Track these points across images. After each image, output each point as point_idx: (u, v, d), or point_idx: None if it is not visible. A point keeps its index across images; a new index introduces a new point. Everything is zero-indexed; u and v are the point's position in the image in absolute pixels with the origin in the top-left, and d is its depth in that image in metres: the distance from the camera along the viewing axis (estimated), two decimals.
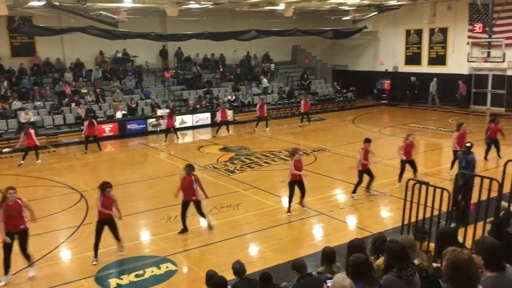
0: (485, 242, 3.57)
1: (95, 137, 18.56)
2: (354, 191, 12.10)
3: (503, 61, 22.68)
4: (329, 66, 33.04)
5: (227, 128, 21.73)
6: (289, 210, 11.21)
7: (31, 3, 18.49)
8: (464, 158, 10.22)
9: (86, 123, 18.41)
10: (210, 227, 10.31)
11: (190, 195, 10.07)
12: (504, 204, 6.44)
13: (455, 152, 13.24)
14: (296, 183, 11.15)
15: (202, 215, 10.32)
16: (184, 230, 10.12)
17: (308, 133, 21.20)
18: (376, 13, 26.96)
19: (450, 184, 7.56)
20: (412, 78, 27.95)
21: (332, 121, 24.12)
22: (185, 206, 10.10)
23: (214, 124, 22.33)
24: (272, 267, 8.23)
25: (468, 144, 10.38)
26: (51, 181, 14.60)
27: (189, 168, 10.19)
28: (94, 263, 8.84)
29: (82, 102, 22.91)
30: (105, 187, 8.92)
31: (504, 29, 23.27)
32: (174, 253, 9.20)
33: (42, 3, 18.51)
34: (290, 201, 11.21)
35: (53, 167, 16.53)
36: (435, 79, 26.80)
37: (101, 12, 20.34)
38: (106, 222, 8.98)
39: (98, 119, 21.60)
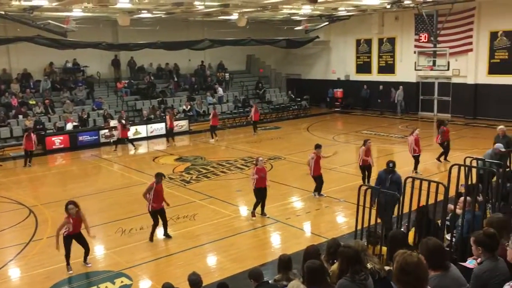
0: (428, 243, 3.74)
1: (32, 152, 17.94)
2: (316, 190, 12.63)
3: (448, 69, 23.72)
4: (283, 75, 33.48)
5: (172, 138, 21.53)
6: (253, 214, 11.30)
7: None
8: (387, 178, 9.51)
9: (24, 136, 17.87)
10: (168, 235, 10.25)
11: (160, 204, 10.10)
12: (451, 206, 6.72)
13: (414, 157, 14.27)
14: (259, 191, 11.22)
15: (167, 223, 10.28)
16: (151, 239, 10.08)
17: (263, 142, 21.34)
18: (327, 23, 27.60)
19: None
20: (380, 87, 27.98)
21: (287, 129, 24.40)
22: (157, 216, 10.05)
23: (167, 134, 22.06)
24: (230, 277, 8.20)
25: (391, 164, 9.75)
26: None
27: (161, 176, 10.22)
28: (70, 272, 8.74)
29: (30, 114, 22.09)
30: (66, 206, 8.84)
31: (448, 38, 24.40)
32: (129, 267, 8.98)
33: None
34: (255, 206, 11.29)
35: None
36: (401, 87, 27.02)
37: (49, 21, 19.78)
38: (73, 236, 8.88)
39: (48, 131, 20.95)
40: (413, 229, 6.80)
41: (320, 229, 10.71)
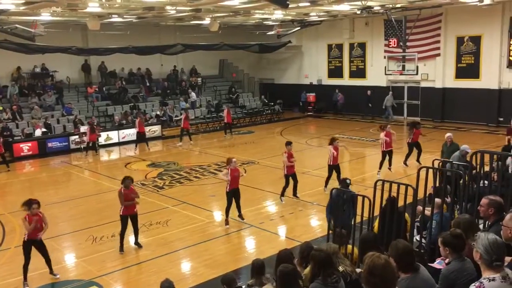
0: (397, 245, 3.81)
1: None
2: (282, 195, 12.63)
3: (417, 74, 24.27)
4: (256, 79, 33.58)
5: (146, 143, 21.21)
6: (227, 222, 11.17)
7: None
8: (341, 197, 7.97)
9: None
10: (139, 244, 10.05)
11: (133, 208, 9.88)
12: (420, 208, 6.86)
13: (383, 152, 14.86)
14: (234, 193, 11.15)
15: (137, 230, 10.09)
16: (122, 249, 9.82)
17: (237, 146, 21.34)
18: (299, 28, 27.87)
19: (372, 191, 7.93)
20: (369, 92, 27.45)
21: (260, 134, 24.47)
22: (127, 221, 9.82)
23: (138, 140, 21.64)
24: (204, 283, 8.17)
25: (348, 181, 9.30)
26: None
27: (130, 180, 9.95)
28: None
29: None
30: (30, 204, 8.47)
31: (417, 43, 24.96)
32: (100, 275, 8.82)
33: None
34: (228, 212, 11.18)
35: None
36: (390, 92, 26.73)
37: (17, 25, 19.33)
38: (34, 242, 8.49)
39: (15, 138, 20.44)
40: (377, 219, 6.98)
41: (294, 233, 10.77)
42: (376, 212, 6.89)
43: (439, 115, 25.24)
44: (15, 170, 18.36)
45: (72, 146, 21.03)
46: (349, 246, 6.28)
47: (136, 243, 10.08)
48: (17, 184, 16.61)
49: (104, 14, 19.92)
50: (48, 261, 8.71)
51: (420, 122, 17.20)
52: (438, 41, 24.82)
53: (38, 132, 21.08)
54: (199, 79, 30.22)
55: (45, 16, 19.39)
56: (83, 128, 21.31)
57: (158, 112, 25.48)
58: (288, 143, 12.81)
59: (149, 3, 17.61)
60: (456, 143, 12.91)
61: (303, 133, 24.68)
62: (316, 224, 11.44)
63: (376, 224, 6.93)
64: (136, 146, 21.25)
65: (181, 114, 23.24)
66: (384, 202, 6.68)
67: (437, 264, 4.46)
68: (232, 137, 23.07)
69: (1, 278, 8.84)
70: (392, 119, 25.88)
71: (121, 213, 9.89)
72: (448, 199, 7.33)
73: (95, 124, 21.14)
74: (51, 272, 8.76)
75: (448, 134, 13.35)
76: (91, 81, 26.77)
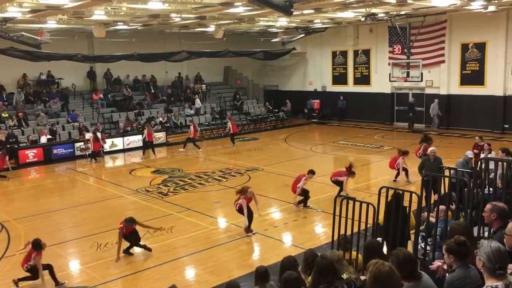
0: (398, 254, 3.79)
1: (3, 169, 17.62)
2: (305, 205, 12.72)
3: (421, 80, 24.24)
4: (260, 86, 33.65)
5: (153, 151, 21.30)
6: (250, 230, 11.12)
7: None
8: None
9: None
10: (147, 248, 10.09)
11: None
12: (425, 214, 6.84)
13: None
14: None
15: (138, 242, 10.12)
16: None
17: (241, 153, 21.35)
18: (303, 35, 27.94)
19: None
20: (411, 99, 26.07)
21: (265, 140, 24.48)
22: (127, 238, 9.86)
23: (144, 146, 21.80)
24: None
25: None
26: None
27: (132, 222, 9.88)
28: None
29: (3, 127, 21.64)
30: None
31: (421, 50, 24.95)
32: (105, 282, 8.83)
33: None
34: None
35: None
36: (436, 100, 24.90)
37: (23, 33, 19.52)
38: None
39: (21, 145, 20.55)
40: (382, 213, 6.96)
41: (298, 240, 10.74)
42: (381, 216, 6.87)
43: (444, 122, 25.15)
44: (20, 177, 18.45)
45: (77, 152, 21.11)
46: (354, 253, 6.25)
47: (126, 251, 9.97)
48: (23, 191, 16.67)
49: (110, 22, 20.09)
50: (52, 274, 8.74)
51: (431, 137, 16.22)
52: (443, 48, 24.79)
53: (43, 139, 21.18)
54: (204, 86, 30.30)
55: (51, 23, 19.57)
56: (88, 135, 21.41)
57: (161, 119, 25.54)
58: (312, 172, 12.77)
59: (155, 10, 17.73)
60: (439, 157, 12.11)
61: (308, 140, 24.66)
62: (321, 231, 11.41)
63: (381, 217, 6.84)
64: (143, 152, 21.34)
65: (186, 121, 23.24)
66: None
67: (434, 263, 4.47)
68: (235, 145, 23.03)
69: (5, 285, 8.85)
70: (435, 128, 24.74)
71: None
72: (453, 206, 7.30)
73: (99, 130, 21.22)
74: (57, 284, 8.73)
75: (431, 148, 12.56)
76: (96, 88, 26.91)
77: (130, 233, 9.89)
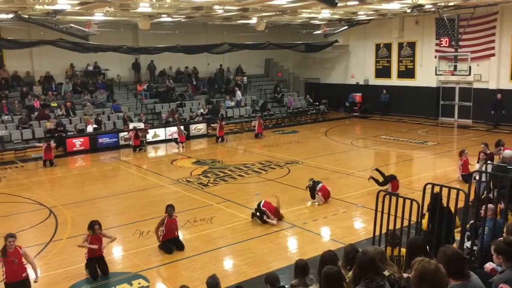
0: (446, 251, 3.67)
1: (51, 161, 18.20)
2: None
3: (469, 74, 23.39)
4: (301, 79, 33.42)
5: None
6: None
7: None
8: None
9: (43, 146, 18.18)
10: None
11: (173, 234, 9.95)
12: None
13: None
14: None
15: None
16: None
17: (281, 146, 21.31)
18: (346, 27, 27.50)
19: (420, 195, 7.68)
20: (499, 95, 23.60)
21: (305, 133, 24.31)
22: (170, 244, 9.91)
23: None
24: (246, 281, 8.19)
25: None
26: (19, 197, 14.20)
27: (171, 209, 9.93)
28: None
29: (52, 116, 22.49)
30: (93, 225, 8.86)
31: (470, 43, 24.05)
32: (146, 269, 9.04)
33: (11, 15, 18.19)
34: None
35: (21, 182, 16.09)
36: (499, 94, 23.55)
37: (71, 25, 20.12)
38: (96, 259, 8.89)
39: (69, 133, 21.29)
40: (426, 216, 6.76)
41: (337, 235, 10.63)
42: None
43: (493, 118, 24.15)
44: (68, 165, 19.12)
45: (121, 142, 21.67)
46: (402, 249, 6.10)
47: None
48: (70, 178, 17.28)
49: (154, 14, 20.43)
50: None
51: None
52: (493, 41, 23.78)
53: (89, 128, 21.87)
54: (245, 78, 30.39)
55: (98, 16, 20.11)
56: (132, 125, 21.91)
57: (202, 110, 25.82)
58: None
59: (198, 3, 17.89)
60: None
61: (349, 134, 24.33)
62: (360, 226, 11.25)
63: (425, 221, 6.69)
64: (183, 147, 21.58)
65: (226, 113, 23.28)
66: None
67: (488, 265, 4.30)
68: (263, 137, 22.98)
69: (51, 268, 9.21)
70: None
71: (161, 240, 9.86)
72: (502, 205, 7.02)
73: (142, 121, 21.65)
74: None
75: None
76: (140, 79, 27.50)
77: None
